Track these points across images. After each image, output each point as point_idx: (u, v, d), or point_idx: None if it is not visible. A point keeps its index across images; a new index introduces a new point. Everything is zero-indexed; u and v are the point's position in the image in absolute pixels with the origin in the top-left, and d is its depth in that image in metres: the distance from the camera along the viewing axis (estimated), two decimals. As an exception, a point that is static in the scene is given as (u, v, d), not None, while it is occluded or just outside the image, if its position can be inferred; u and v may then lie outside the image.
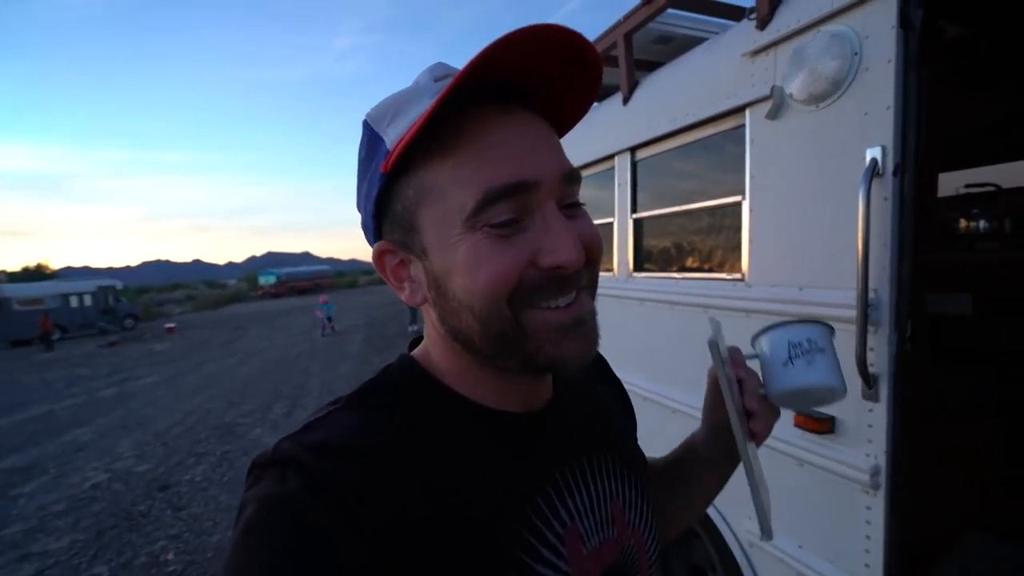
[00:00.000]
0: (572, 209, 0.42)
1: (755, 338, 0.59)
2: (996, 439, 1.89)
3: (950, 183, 2.63)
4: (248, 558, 0.34)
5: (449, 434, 0.44)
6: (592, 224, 0.43)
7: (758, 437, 0.55)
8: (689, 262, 1.93)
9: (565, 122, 0.46)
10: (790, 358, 0.54)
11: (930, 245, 2.32)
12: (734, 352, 0.57)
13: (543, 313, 0.40)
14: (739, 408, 0.53)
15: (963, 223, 2.48)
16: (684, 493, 0.67)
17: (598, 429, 0.54)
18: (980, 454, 1.81)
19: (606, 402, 0.62)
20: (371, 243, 0.46)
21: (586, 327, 0.41)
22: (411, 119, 0.39)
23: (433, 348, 0.48)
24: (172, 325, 19.13)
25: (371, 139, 0.43)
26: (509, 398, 0.46)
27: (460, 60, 0.37)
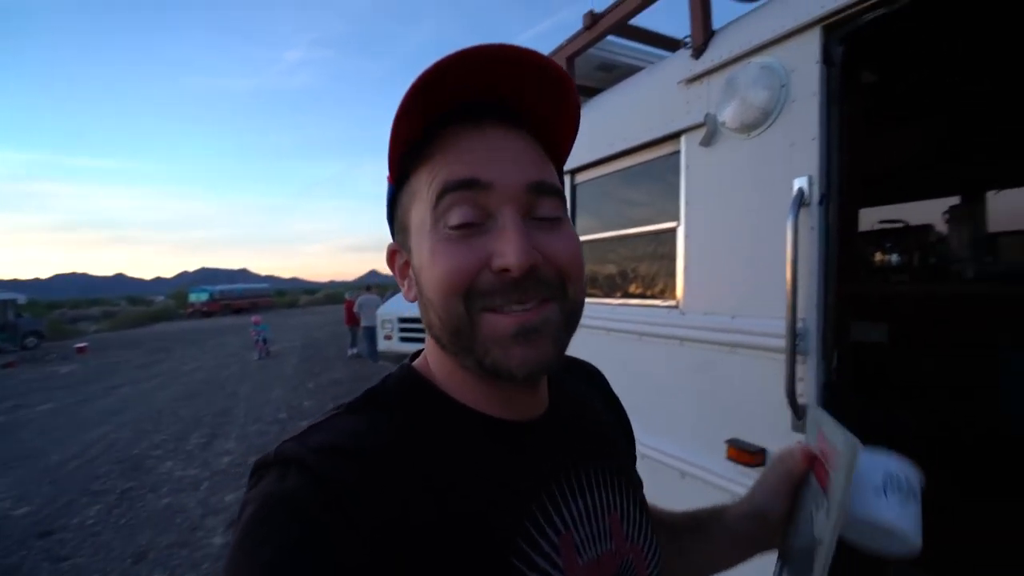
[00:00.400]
0: (547, 222, 0.43)
1: (845, 445, 0.55)
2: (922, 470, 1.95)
3: (865, 219, 2.80)
4: (248, 556, 0.34)
5: (446, 438, 0.44)
6: (568, 240, 0.44)
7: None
8: (627, 288, 1.90)
9: (560, 142, 0.47)
10: (884, 489, 0.50)
11: (852, 275, 2.44)
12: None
13: (495, 317, 0.40)
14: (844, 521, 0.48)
15: (878, 256, 2.64)
16: (698, 557, 0.64)
17: (596, 442, 0.54)
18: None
19: (605, 418, 0.61)
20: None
21: (538, 337, 0.41)
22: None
23: (428, 351, 0.50)
24: (83, 344, 17.27)
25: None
26: (500, 405, 0.47)
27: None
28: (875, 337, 2.43)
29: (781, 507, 0.57)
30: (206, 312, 34.99)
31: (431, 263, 0.42)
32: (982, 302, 2.07)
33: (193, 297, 37.15)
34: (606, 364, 1.93)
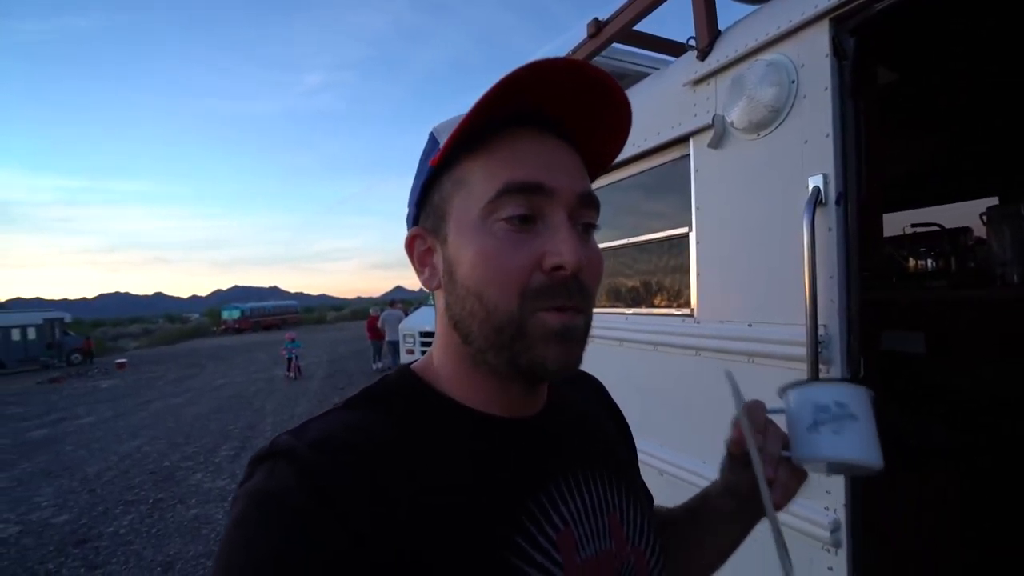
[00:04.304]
0: (586, 231, 0.45)
1: (781, 391, 0.55)
2: (958, 489, 1.82)
3: (897, 222, 2.67)
4: (237, 554, 0.35)
5: (440, 433, 0.45)
6: (596, 251, 0.46)
7: (776, 505, 0.52)
8: (640, 296, 1.85)
9: (601, 162, 0.50)
10: (815, 423, 0.49)
11: (883, 281, 2.31)
12: (754, 407, 0.53)
13: (542, 315, 0.42)
14: (766, 477, 0.50)
15: (912, 262, 2.50)
16: (703, 543, 0.64)
17: (594, 445, 0.55)
18: (945, 506, 1.73)
19: (605, 425, 0.62)
20: (409, 229, 0.51)
21: (573, 339, 0.43)
22: None
23: (436, 348, 0.50)
24: (123, 360, 18.03)
25: (431, 143, 0.49)
26: (501, 403, 0.48)
27: (433, 100, 0.46)
28: (911, 347, 2.29)
29: (743, 478, 0.56)
30: (238, 329, 36.03)
31: (481, 257, 0.42)
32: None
33: (226, 314, 38.35)
34: (620, 376, 1.88)
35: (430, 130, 0.51)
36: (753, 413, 0.53)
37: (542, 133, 0.45)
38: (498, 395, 0.47)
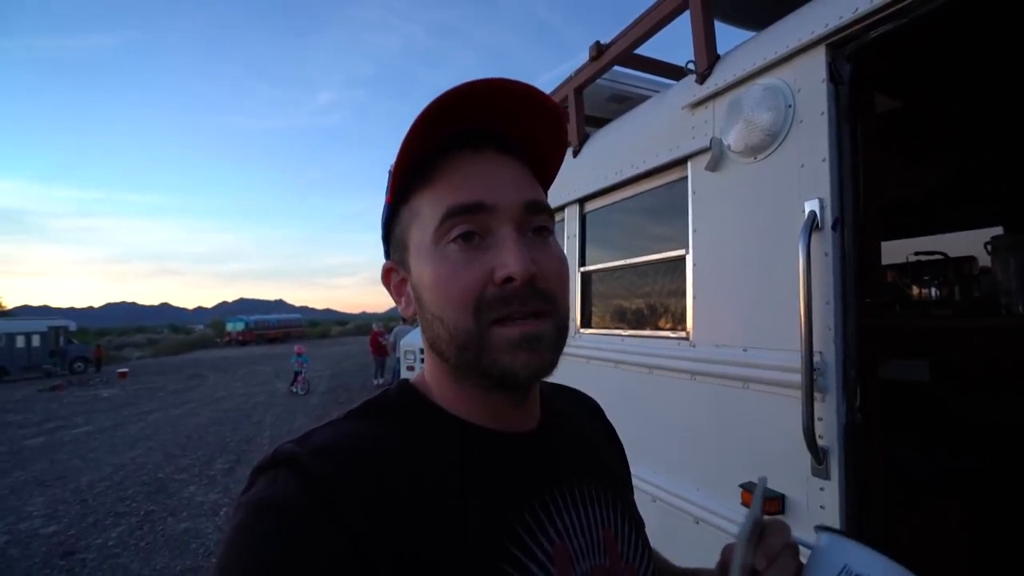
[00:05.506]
0: (539, 235, 0.46)
1: (820, 528, 0.49)
2: (963, 518, 1.76)
3: (900, 250, 2.65)
4: (236, 565, 0.34)
5: (439, 445, 0.45)
6: (556, 259, 0.46)
7: None
8: (636, 318, 1.83)
9: (547, 168, 0.52)
10: None
11: (884, 310, 2.28)
12: (777, 527, 0.48)
13: (502, 328, 0.42)
14: None
15: (915, 290, 2.47)
16: None
17: (590, 461, 0.55)
18: (947, 537, 1.67)
19: (601, 444, 0.62)
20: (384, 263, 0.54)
21: (539, 345, 0.43)
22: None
23: (426, 367, 0.52)
24: (124, 370, 18.00)
25: (388, 180, 0.49)
26: (493, 417, 0.48)
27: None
28: (915, 375, 2.25)
29: None
30: (242, 341, 36.04)
31: (436, 281, 0.44)
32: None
33: (230, 326, 38.40)
34: (615, 398, 1.85)
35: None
36: (773, 532, 0.48)
37: (482, 151, 0.46)
38: (485, 408, 0.48)
